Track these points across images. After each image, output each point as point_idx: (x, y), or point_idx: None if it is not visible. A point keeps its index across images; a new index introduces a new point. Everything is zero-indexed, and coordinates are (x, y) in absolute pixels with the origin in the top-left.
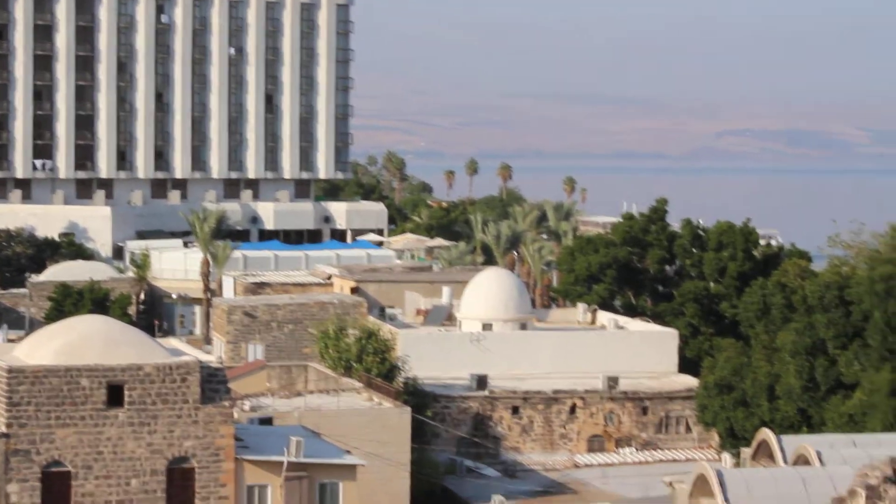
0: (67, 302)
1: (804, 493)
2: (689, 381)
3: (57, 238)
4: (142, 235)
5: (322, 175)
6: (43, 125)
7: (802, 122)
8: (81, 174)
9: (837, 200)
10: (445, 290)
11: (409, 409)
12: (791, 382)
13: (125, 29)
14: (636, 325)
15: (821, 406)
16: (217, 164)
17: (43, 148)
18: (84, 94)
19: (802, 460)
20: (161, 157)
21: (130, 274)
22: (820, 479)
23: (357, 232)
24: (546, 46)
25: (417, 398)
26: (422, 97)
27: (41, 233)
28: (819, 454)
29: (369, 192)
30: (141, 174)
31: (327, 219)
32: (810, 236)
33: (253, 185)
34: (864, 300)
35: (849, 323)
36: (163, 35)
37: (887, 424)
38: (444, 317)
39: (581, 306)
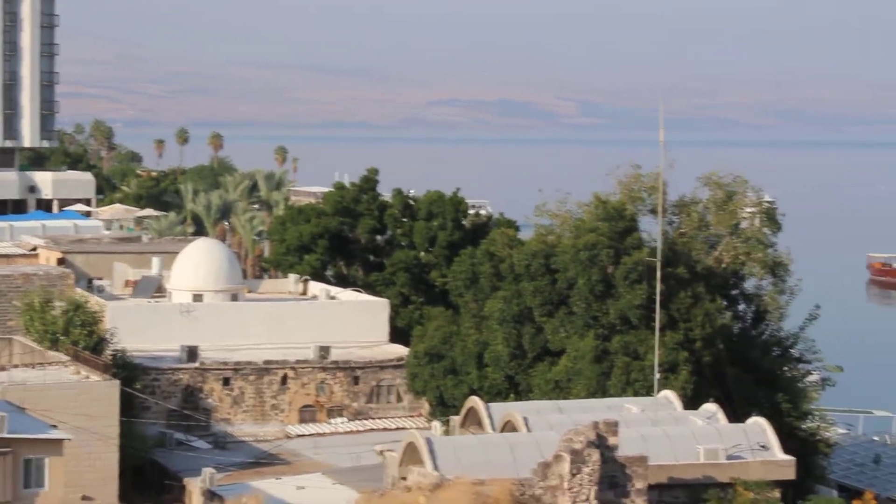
0: None
1: (511, 458)
2: (400, 351)
3: None
4: None
5: (27, 143)
6: None
7: (513, 93)
8: None
9: (545, 170)
10: (155, 260)
11: (117, 382)
12: (499, 350)
13: None
14: (348, 295)
15: (528, 373)
16: None
17: None
18: None
19: (510, 427)
20: None
21: None
22: (527, 444)
23: (64, 202)
24: (260, 14)
25: (127, 371)
26: (131, 64)
27: None
28: (526, 420)
29: (76, 161)
30: None
31: (32, 188)
32: (518, 206)
33: None
34: (569, 268)
35: (554, 291)
36: None
37: (591, 390)
38: (154, 288)
39: (293, 277)
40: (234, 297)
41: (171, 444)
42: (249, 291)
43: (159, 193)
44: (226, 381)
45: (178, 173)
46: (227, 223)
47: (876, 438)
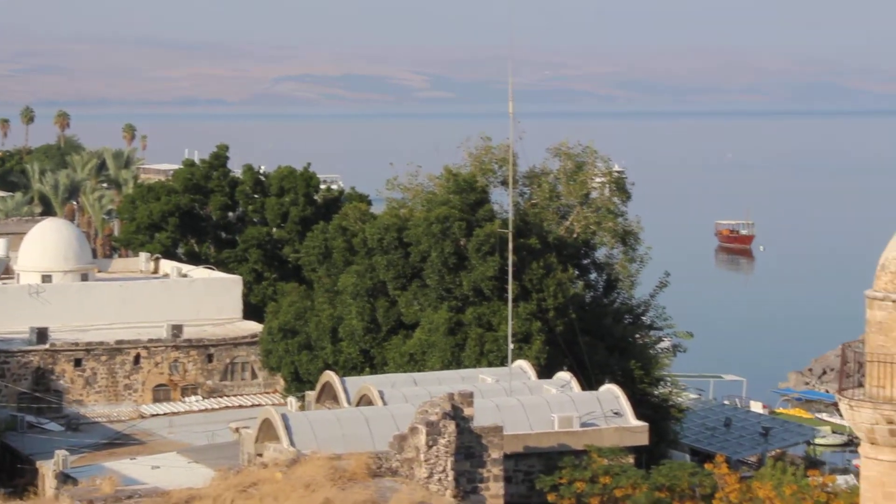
0: None
1: (368, 432)
2: (254, 327)
3: None
4: None
5: None
6: None
7: (363, 68)
8: None
9: (396, 144)
10: (2, 242)
11: None
12: (353, 324)
13: None
14: (200, 272)
15: (382, 346)
16: None
17: None
18: None
19: (365, 400)
20: None
21: None
22: (382, 418)
23: None
24: None
25: None
26: None
27: None
28: (381, 393)
29: None
30: None
31: None
32: (370, 180)
33: None
34: (421, 241)
35: (407, 264)
36: None
37: (446, 362)
38: (1, 270)
39: (143, 255)
40: (84, 277)
41: (22, 427)
42: (99, 271)
43: (5, 174)
44: (77, 362)
45: (24, 153)
46: (75, 203)
47: (726, 402)
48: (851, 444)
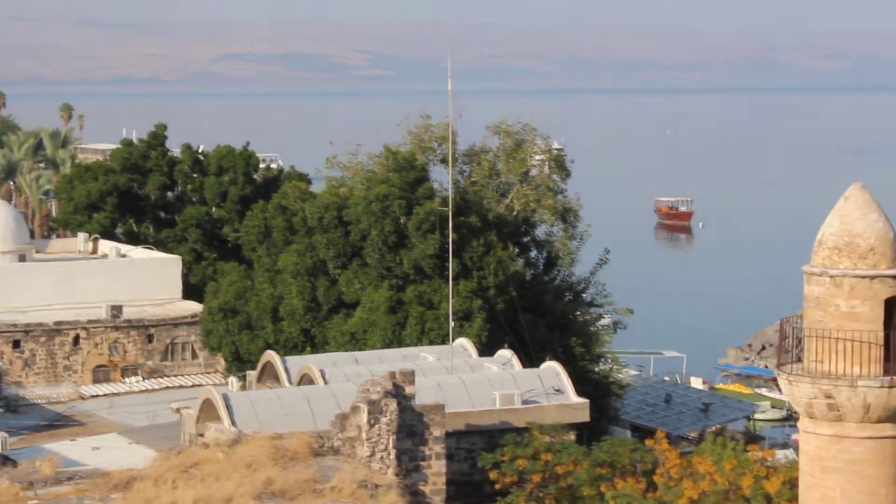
0: None
1: (309, 411)
2: (194, 307)
3: None
4: None
5: None
6: None
7: (302, 46)
8: None
9: (337, 123)
10: None
11: None
12: (294, 304)
13: None
14: (139, 252)
15: (323, 326)
16: None
17: None
18: None
19: (307, 380)
20: None
21: None
22: (324, 396)
23: None
24: None
25: None
26: None
27: None
28: (323, 373)
29: None
30: None
31: None
32: (309, 158)
33: None
34: (361, 220)
35: (348, 243)
36: None
37: (387, 341)
38: None
39: (82, 235)
40: (22, 258)
41: None
42: (37, 252)
43: None
44: (16, 344)
45: None
46: (12, 183)
47: (666, 378)
48: (790, 418)
